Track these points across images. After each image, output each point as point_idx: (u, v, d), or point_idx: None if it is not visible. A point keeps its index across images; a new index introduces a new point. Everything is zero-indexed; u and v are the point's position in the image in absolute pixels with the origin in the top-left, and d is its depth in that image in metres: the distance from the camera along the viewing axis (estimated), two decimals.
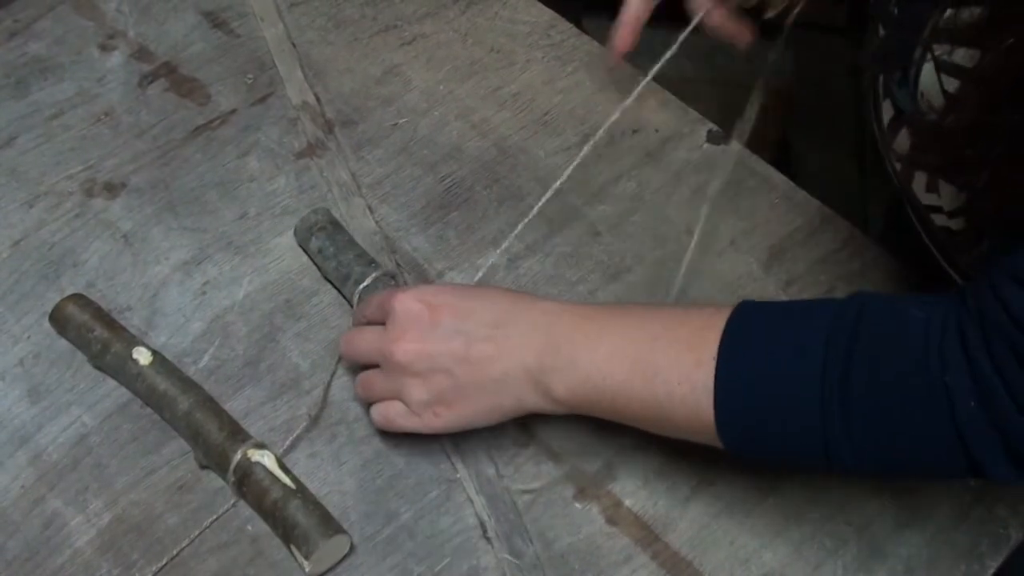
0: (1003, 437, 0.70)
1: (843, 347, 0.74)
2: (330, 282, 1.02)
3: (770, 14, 1.01)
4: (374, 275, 0.97)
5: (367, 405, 0.93)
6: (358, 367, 0.95)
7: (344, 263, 1.00)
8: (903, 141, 0.92)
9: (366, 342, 0.90)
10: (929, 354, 0.72)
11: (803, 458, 0.79)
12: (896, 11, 0.92)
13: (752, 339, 0.79)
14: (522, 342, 0.85)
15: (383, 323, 0.89)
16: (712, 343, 0.79)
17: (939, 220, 0.90)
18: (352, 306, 0.98)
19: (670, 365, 0.81)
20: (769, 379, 0.77)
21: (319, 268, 1.02)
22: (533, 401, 0.87)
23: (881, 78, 0.92)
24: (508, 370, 0.85)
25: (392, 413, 0.89)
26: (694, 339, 0.80)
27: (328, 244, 1.01)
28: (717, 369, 0.78)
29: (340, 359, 0.97)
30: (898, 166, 0.93)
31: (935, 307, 0.74)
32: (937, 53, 0.88)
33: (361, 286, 0.97)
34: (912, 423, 0.73)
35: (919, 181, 0.91)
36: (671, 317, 0.84)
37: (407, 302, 0.87)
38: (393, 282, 0.99)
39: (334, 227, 1.02)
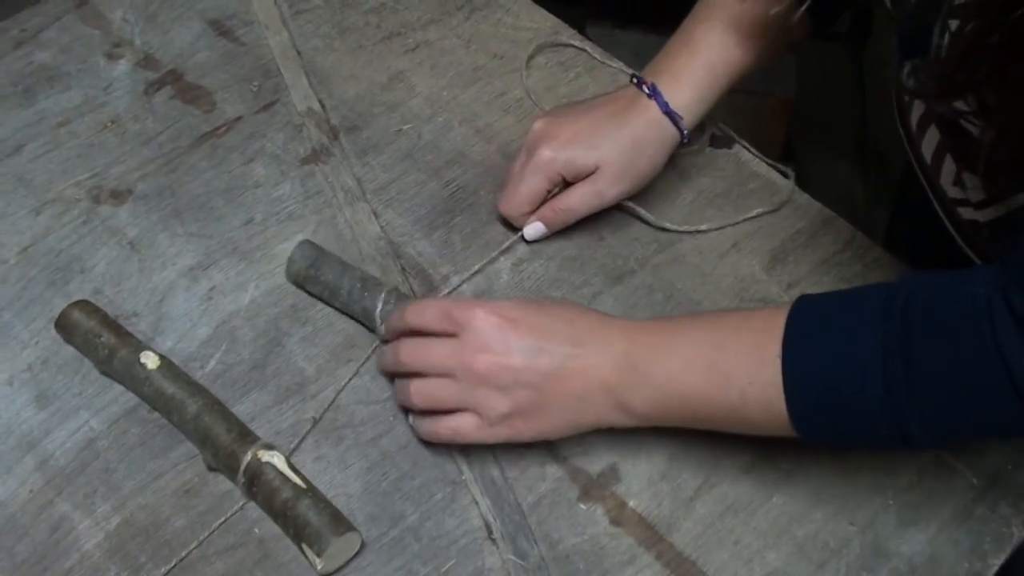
0: None
1: (898, 325, 0.77)
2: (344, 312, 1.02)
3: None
4: (384, 294, 0.98)
5: (403, 410, 0.94)
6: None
7: (353, 294, 0.99)
8: (932, 138, 0.93)
9: (439, 352, 0.90)
10: (979, 322, 0.74)
11: (877, 438, 0.82)
12: None
13: (811, 331, 0.82)
14: (601, 360, 0.88)
15: (442, 334, 0.90)
16: (775, 341, 0.82)
17: (966, 213, 0.92)
18: (374, 330, 0.99)
19: (739, 368, 0.84)
20: (832, 367, 0.80)
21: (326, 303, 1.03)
22: (612, 416, 0.89)
23: (906, 67, 0.92)
24: (589, 387, 0.88)
25: (467, 428, 0.90)
26: (758, 340, 0.84)
27: (324, 282, 1.01)
28: (783, 365, 0.81)
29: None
30: (928, 160, 0.94)
31: (980, 277, 0.76)
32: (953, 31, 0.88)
33: (378, 310, 0.97)
34: (973, 390, 0.76)
35: (946, 177, 0.92)
36: (734, 322, 0.88)
37: (485, 316, 0.88)
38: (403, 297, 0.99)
39: (321, 262, 1.02)
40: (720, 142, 1.14)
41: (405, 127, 1.15)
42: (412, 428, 0.94)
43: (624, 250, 1.06)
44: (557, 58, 1.21)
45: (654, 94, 1.03)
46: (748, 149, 1.13)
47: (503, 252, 1.05)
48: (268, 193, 1.10)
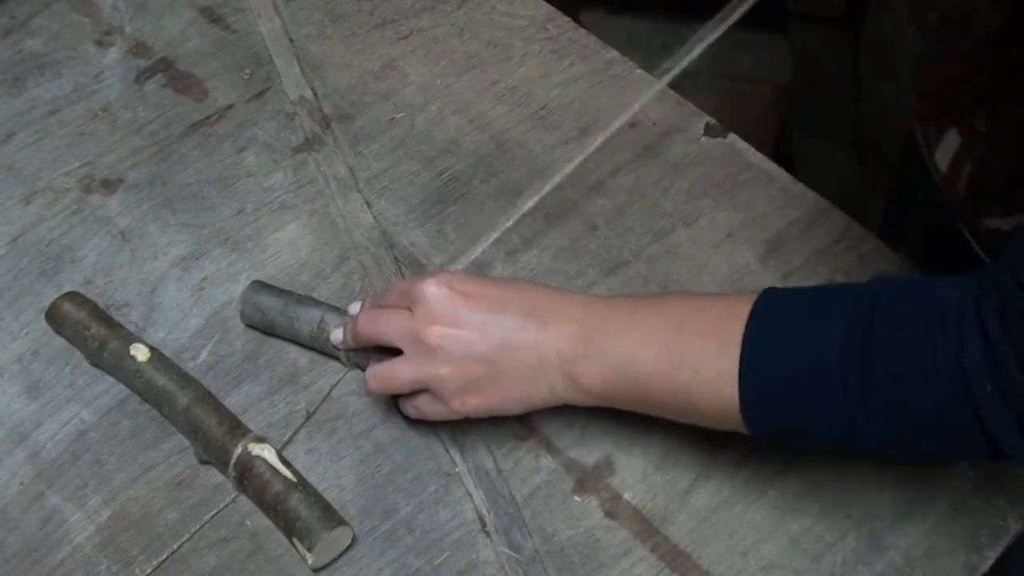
0: (1019, 417, 0.70)
1: (861, 329, 0.75)
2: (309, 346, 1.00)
3: None
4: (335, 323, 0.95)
5: (385, 398, 0.94)
6: (361, 366, 0.95)
7: (318, 339, 0.96)
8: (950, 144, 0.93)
9: (394, 322, 0.88)
10: (946, 335, 0.72)
11: (826, 441, 0.80)
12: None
13: (775, 325, 0.80)
14: (557, 330, 0.86)
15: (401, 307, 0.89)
16: (737, 330, 0.80)
17: (991, 223, 0.91)
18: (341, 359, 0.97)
19: (696, 351, 0.82)
20: (791, 364, 0.78)
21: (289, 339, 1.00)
22: (563, 391, 0.87)
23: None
24: (543, 358, 0.86)
25: (423, 403, 0.89)
26: (719, 326, 0.81)
27: (280, 318, 0.97)
28: (742, 355, 0.79)
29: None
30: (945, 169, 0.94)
31: (951, 288, 0.74)
32: None
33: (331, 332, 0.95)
34: (930, 404, 0.73)
35: (964, 183, 0.92)
36: (698, 305, 0.86)
37: (438, 288, 0.87)
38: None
39: (268, 314, 0.98)
40: (714, 131, 1.13)
41: (398, 116, 1.15)
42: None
43: (618, 240, 1.05)
44: (552, 46, 1.20)
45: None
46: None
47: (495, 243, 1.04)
48: (260, 182, 1.09)
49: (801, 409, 0.78)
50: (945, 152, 0.93)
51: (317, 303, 0.97)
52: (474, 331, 0.86)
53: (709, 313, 0.84)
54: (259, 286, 0.99)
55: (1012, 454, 0.72)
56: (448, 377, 0.86)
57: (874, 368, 0.74)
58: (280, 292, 0.98)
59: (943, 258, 0.86)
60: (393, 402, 0.94)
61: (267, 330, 0.99)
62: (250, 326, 1.00)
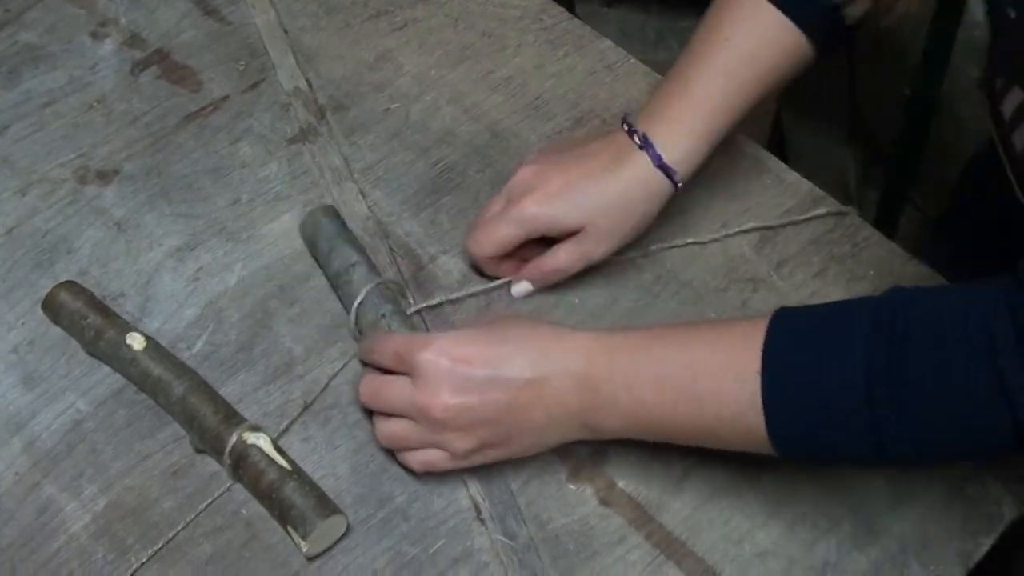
0: None
1: (885, 342, 0.74)
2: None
3: None
4: (367, 289, 0.96)
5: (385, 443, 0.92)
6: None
7: (340, 277, 0.99)
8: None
9: (395, 396, 0.88)
10: (979, 336, 0.72)
11: (856, 454, 0.79)
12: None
13: (794, 348, 0.79)
14: (561, 385, 0.85)
15: (400, 372, 0.88)
16: (753, 359, 0.79)
17: None
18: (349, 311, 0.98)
19: (714, 389, 0.81)
20: (816, 385, 0.77)
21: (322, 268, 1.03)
22: (580, 435, 0.88)
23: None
24: (552, 415, 0.86)
25: (437, 461, 0.88)
26: (734, 358, 0.80)
27: (317, 255, 1.02)
28: (763, 383, 0.78)
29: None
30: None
31: (980, 294, 0.74)
32: None
33: (357, 302, 0.96)
34: (965, 407, 0.73)
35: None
36: (707, 337, 0.85)
37: (433, 358, 0.86)
38: (395, 286, 0.99)
39: (320, 234, 1.02)
40: None
41: (393, 106, 1.15)
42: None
43: None
44: (546, 36, 1.20)
45: (646, 146, 0.96)
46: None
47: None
48: (255, 173, 1.09)
49: (829, 429, 0.77)
50: (1008, 108, 0.93)
51: (362, 251, 1.00)
52: (478, 397, 0.85)
53: (721, 345, 0.83)
54: (330, 210, 1.03)
55: None
56: (460, 442, 0.87)
57: (904, 380, 0.74)
58: (343, 226, 1.02)
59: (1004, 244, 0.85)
60: None
61: (311, 248, 1.03)
62: (303, 239, 1.04)
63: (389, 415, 0.89)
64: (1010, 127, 0.94)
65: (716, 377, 0.81)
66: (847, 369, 0.75)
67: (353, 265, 0.98)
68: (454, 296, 1.00)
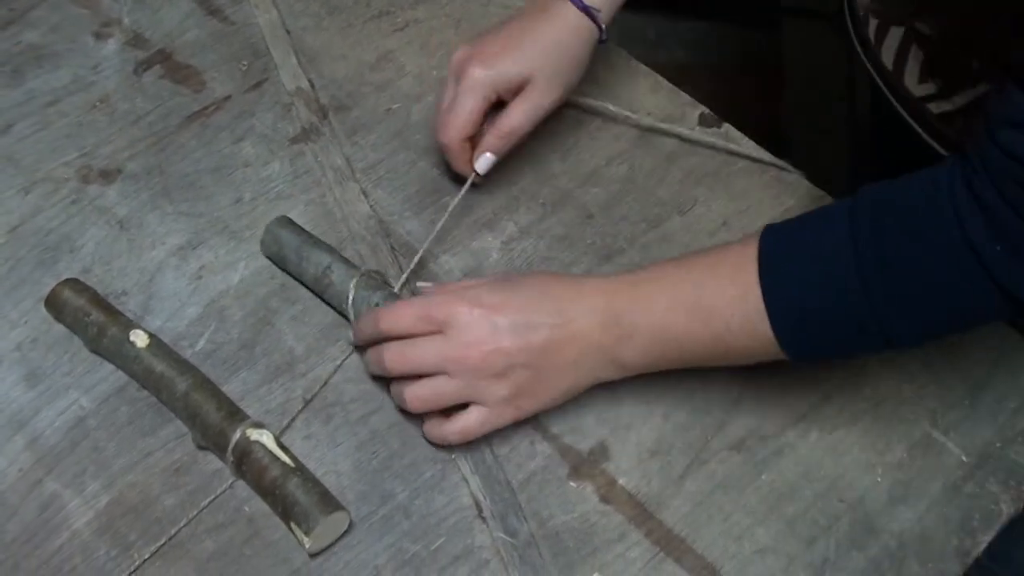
0: None
1: (867, 230, 0.80)
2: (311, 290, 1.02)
3: None
4: (352, 283, 0.97)
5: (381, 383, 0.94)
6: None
7: (320, 282, 0.99)
8: (892, 41, 0.95)
9: (429, 354, 0.89)
10: (944, 211, 0.77)
11: (864, 344, 0.85)
12: None
13: (785, 255, 0.85)
14: (587, 323, 0.89)
15: (423, 333, 0.90)
16: (751, 272, 0.85)
17: (937, 108, 0.93)
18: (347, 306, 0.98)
19: (721, 303, 0.86)
20: (811, 284, 0.83)
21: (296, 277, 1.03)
22: (607, 373, 0.91)
23: None
24: (583, 350, 0.89)
25: (475, 424, 0.90)
26: (734, 273, 0.86)
27: (291, 268, 1.02)
28: (763, 290, 0.84)
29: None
30: (891, 65, 0.96)
31: (935, 175, 0.79)
32: None
33: (350, 300, 0.97)
34: (949, 280, 0.78)
35: (910, 77, 0.94)
36: (708, 261, 0.90)
37: (466, 309, 0.88)
38: (376, 274, 0.99)
39: (286, 246, 1.02)
40: (708, 121, 1.14)
41: (394, 106, 1.15)
42: (424, 435, 0.94)
43: (613, 229, 1.06)
44: None
45: None
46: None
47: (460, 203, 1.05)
48: (257, 172, 1.10)
49: (832, 323, 0.83)
50: (889, 48, 0.97)
51: (331, 250, 1.00)
52: (512, 341, 0.88)
53: (722, 264, 0.88)
54: (285, 220, 1.03)
55: None
56: (497, 390, 0.88)
57: (887, 261, 0.79)
58: (300, 231, 1.02)
59: (902, 161, 0.89)
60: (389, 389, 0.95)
61: (280, 263, 1.02)
62: (268, 257, 1.03)
63: (415, 379, 0.90)
64: (876, 47, 0.97)
65: (721, 292, 0.86)
66: (838, 265, 0.81)
67: (328, 267, 0.98)
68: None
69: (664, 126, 1.11)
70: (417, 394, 0.90)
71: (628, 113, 1.11)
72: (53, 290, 0.98)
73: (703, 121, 1.14)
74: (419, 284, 1.00)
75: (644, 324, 0.88)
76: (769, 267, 0.84)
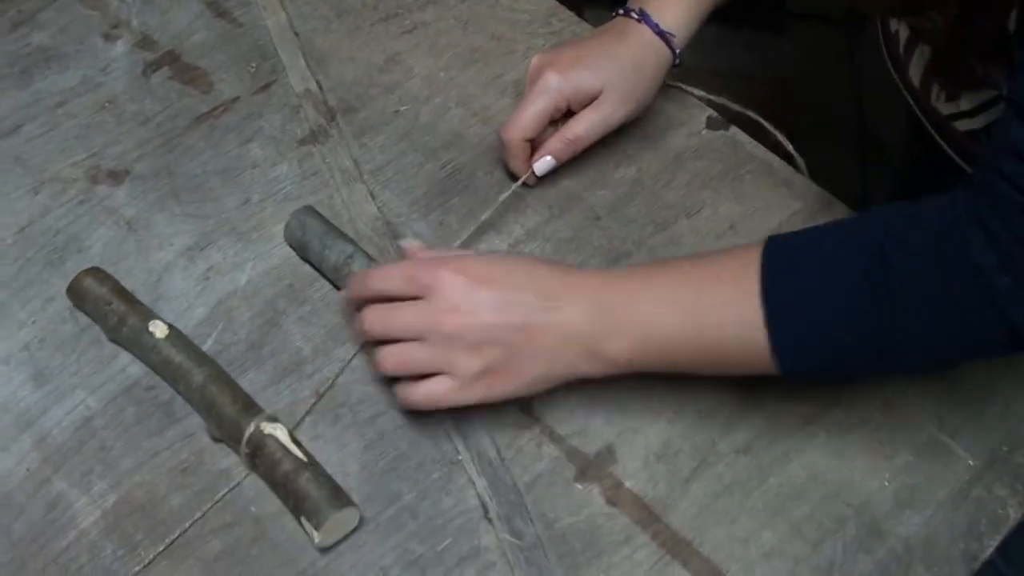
0: None
1: (876, 253, 0.79)
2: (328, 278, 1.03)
3: None
4: (350, 253, 0.99)
5: (388, 380, 0.94)
6: (361, 351, 0.96)
7: (340, 271, 1.00)
8: (920, 59, 0.95)
9: (409, 317, 0.89)
10: (953, 241, 0.77)
11: (861, 365, 0.85)
12: None
13: (790, 265, 0.84)
14: (573, 309, 0.88)
15: (407, 298, 0.89)
16: (752, 279, 0.84)
17: (962, 125, 0.93)
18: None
19: (718, 308, 0.85)
20: (815, 299, 0.82)
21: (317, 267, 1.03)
22: (585, 366, 0.89)
23: None
24: (565, 336, 0.88)
25: (439, 392, 0.89)
26: (735, 279, 0.85)
27: (311, 256, 1.03)
28: (764, 301, 0.83)
29: (362, 346, 0.97)
30: (917, 84, 0.96)
31: (944, 204, 0.79)
32: None
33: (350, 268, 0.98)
34: (955, 307, 0.78)
35: (937, 96, 0.94)
36: (709, 263, 0.89)
37: (452, 276, 0.88)
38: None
39: (309, 233, 1.03)
40: (715, 124, 1.14)
41: (402, 108, 1.15)
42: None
43: (621, 231, 1.06)
44: (555, 40, 1.20)
45: (643, 18, 1.05)
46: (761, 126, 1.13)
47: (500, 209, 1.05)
48: (265, 174, 1.10)
49: (833, 339, 0.82)
50: (917, 68, 0.98)
51: (353, 242, 1.01)
52: (491, 315, 0.87)
53: (723, 269, 0.87)
54: (311, 209, 1.04)
55: None
56: (468, 363, 0.87)
57: (898, 288, 0.78)
58: (326, 221, 1.03)
59: (925, 173, 0.90)
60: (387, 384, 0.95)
61: (301, 250, 1.03)
62: (288, 243, 1.04)
63: (394, 343, 0.90)
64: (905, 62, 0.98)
65: (719, 297, 0.86)
66: (848, 286, 0.81)
67: (351, 256, 0.99)
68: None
69: (736, 106, 1.14)
70: (389, 353, 0.90)
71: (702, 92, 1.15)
72: (76, 277, 0.99)
73: (710, 124, 1.14)
74: (401, 243, 1.01)
75: (635, 319, 0.87)
76: (772, 278, 0.83)
